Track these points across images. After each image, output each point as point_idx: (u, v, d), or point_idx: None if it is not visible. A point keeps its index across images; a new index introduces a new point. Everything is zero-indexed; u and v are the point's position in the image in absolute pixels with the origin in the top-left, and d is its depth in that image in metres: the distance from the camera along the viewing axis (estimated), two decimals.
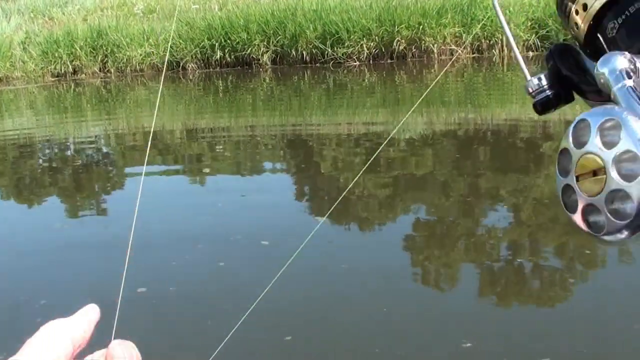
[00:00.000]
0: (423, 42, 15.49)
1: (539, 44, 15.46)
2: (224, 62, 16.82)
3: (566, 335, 3.58)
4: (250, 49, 16.41)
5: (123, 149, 10.18)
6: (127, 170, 8.78)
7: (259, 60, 16.48)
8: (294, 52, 16.24)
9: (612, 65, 0.58)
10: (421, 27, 15.35)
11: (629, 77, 0.57)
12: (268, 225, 5.75)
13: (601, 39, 0.67)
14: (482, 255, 4.92)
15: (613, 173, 0.52)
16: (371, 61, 15.94)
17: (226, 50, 16.65)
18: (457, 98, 12.16)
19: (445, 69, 14.56)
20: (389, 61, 15.85)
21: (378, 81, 14.60)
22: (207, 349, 2.23)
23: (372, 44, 15.78)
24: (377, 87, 14.03)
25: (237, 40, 16.48)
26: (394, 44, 15.59)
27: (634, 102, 0.55)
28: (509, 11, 15.39)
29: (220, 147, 9.57)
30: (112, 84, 17.22)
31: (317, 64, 16.18)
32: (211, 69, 16.99)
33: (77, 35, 18.08)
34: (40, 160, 9.48)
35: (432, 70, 14.99)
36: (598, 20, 0.66)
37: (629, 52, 0.61)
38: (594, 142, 0.54)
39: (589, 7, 0.66)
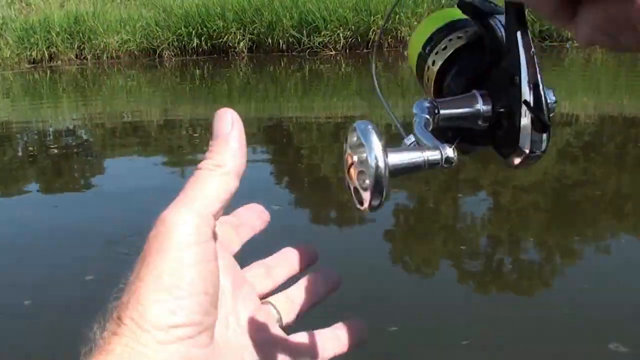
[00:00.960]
0: (399, 31, 15.44)
1: None
2: (200, 50, 16.68)
3: (543, 323, 3.57)
4: (226, 37, 16.28)
5: (99, 137, 10.03)
6: (103, 158, 8.65)
7: (236, 48, 16.36)
8: (270, 41, 16.14)
9: (420, 105, 0.66)
10: (397, 16, 15.30)
11: (430, 114, 0.66)
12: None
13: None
14: (460, 243, 4.92)
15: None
16: (347, 50, 15.86)
17: (203, 38, 16.51)
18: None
19: None
20: (365, 50, 15.78)
21: (354, 70, 14.56)
22: None
23: (348, 33, 15.70)
24: (353, 76, 14.00)
25: (214, 28, 16.34)
26: (370, 33, 15.53)
27: (420, 127, 0.65)
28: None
29: (197, 135, 9.46)
30: (89, 70, 17.03)
31: (294, 53, 16.08)
32: (188, 57, 16.85)
33: (54, 21, 17.81)
34: (16, 147, 9.37)
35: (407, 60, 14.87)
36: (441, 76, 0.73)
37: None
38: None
39: (432, 66, 0.73)
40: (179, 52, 16.92)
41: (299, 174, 7.45)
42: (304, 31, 15.76)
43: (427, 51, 0.73)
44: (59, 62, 17.85)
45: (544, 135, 0.62)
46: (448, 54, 0.71)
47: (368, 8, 15.49)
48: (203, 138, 9.28)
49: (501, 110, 0.65)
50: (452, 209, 5.93)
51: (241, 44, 16.23)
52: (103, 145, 9.47)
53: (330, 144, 8.60)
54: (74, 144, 9.55)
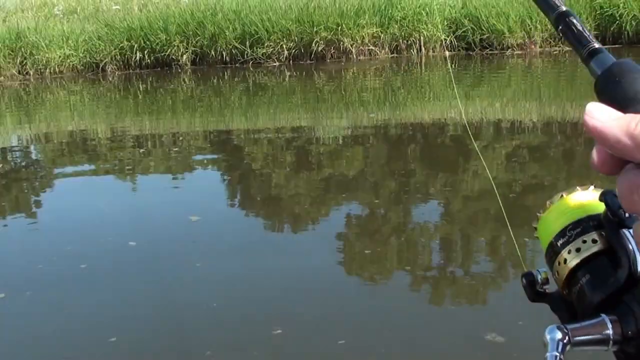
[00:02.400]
0: (341, 42, 15.33)
1: (455, 43, 15.45)
2: (143, 63, 16.32)
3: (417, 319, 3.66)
4: (169, 49, 15.99)
5: (44, 154, 9.84)
6: (48, 175, 8.48)
7: (179, 61, 16.09)
8: (213, 53, 15.89)
9: (553, 334, 0.67)
10: (339, 28, 15.19)
11: (561, 352, 0.67)
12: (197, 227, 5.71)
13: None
14: (413, 252, 4.95)
15: None
16: (291, 61, 15.67)
17: (146, 52, 16.17)
18: (376, 97, 12.06)
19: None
20: (308, 62, 15.63)
21: (298, 81, 14.40)
22: None
23: (291, 45, 15.54)
24: (297, 87, 13.87)
25: (157, 42, 16.03)
26: (313, 44, 15.39)
27: None
28: (426, 12, 15.35)
29: (142, 149, 9.29)
30: (32, 86, 16.63)
31: (237, 64, 15.84)
32: (131, 71, 16.49)
33: None
34: None
35: (351, 71, 14.88)
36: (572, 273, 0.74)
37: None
38: None
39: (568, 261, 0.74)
40: (122, 66, 16.56)
41: (245, 185, 7.41)
42: (247, 43, 15.55)
43: (559, 244, 0.75)
44: (1, 77, 17.37)
45: None
46: (581, 258, 0.72)
47: (310, 19, 15.32)
48: (149, 152, 9.16)
49: (630, 338, 0.66)
50: (402, 216, 5.88)
51: (184, 56, 15.94)
52: (47, 162, 9.26)
53: (276, 154, 8.52)
54: (17, 161, 9.26)
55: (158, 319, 4.10)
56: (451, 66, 14.80)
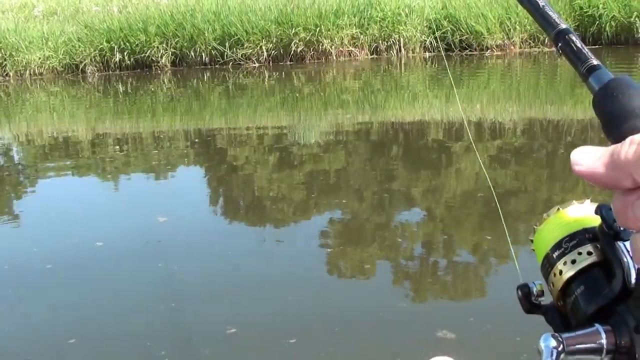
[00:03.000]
0: (320, 43, 15.26)
1: (435, 44, 15.41)
2: (123, 64, 16.19)
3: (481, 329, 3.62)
4: (149, 51, 15.88)
5: (19, 155, 9.84)
6: (21, 176, 8.45)
7: (158, 62, 15.98)
8: (192, 54, 15.80)
9: (547, 343, 0.68)
10: (318, 29, 15.12)
11: (554, 359, 0.68)
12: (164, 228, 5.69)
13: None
14: (395, 252, 4.91)
15: None
16: (270, 62, 15.60)
17: (125, 53, 16.04)
18: (356, 99, 12.02)
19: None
20: (288, 62, 15.55)
21: (277, 83, 14.33)
22: None
23: (270, 46, 15.46)
24: (276, 88, 13.79)
25: (136, 43, 15.92)
26: (292, 45, 15.31)
27: None
28: (405, 13, 15.30)
29: (118, 150, 9.24)
30: (12, 88, 16.49)
31: (217, 65, 15.75)
32: (111, 72, 16.36)
33: None
34: None
35: (331, 72, 14.82)
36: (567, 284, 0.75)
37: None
38: None
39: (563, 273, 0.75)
40: (102, 68, 16.44)
41: (227, 187, 7.39)
42: (227, 44, 15.45)
43: (555, 256, 0.76)
44: None
45: None
46: (577, 270, 0.74)
47: (289, 20, 15.24)
48: (125, 153, 9.12)
49: (623, 348, 0.67)
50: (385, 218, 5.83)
51: (164, 58, 15.84)
52: (20, 163, 9.24)
53: (257, 156, 8.47)
54: None
55: (117, 319, 4.06)
56: (430, 67, 14.79)
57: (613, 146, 0.54)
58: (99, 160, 8.85)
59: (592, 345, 0.69)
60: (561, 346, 0.68)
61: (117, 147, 9.57)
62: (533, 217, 5.49)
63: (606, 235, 0.71)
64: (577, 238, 0.75)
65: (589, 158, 0.55)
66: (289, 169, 7.75)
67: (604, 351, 0.68)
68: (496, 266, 4.64)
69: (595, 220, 0.73)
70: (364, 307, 4.01)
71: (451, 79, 12.73)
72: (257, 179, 7.38)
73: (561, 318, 0.77)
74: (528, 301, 0.80)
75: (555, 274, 0.76)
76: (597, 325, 0.69)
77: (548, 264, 0.77)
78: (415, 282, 4.45)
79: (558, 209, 0.79)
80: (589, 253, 0.73)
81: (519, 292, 0.81)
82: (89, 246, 5.31)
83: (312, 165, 7.75)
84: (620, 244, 0.70)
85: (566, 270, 0.74)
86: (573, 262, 0.74)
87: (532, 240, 0.81)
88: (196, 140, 9.87)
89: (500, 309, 3.79)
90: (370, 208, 6.09)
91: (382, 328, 3.71)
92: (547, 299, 0.79)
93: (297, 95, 12.74)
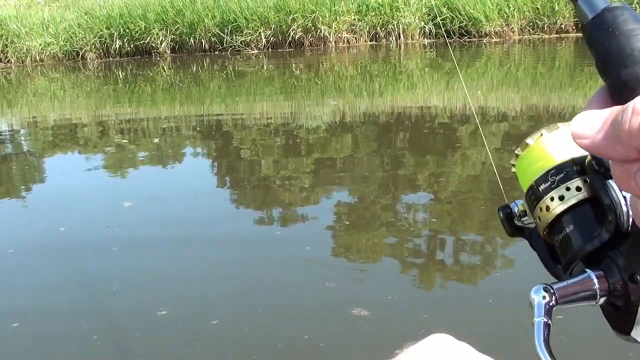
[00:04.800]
0: (319, 30, 14.99)
1: (434, 31, 15.16)
2: (123, 51, 16.07)
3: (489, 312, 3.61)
4: (149, 37, 15.67)
5: (27, 141, 9.71)
6: (32, 162, 8.32)
7: (158, 49, 15.76)
8: (192, 41, 15.58)
9: (539, 297, 0.66)
10: (314, 15, 14.85)
11: (547, 314, 0.65)
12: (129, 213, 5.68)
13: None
14: (404, 235, 4.85)
15: None
16: (270, 49, 15.42)
17: (125, 40, 15.90)
18: (358, 86, 11.80)
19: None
20: (287, 49, 15.34)
21: (276, 69, 14.16)
22: None
23: (269, 32, 15.22)
24: (275, 75, 13.60)
25: (136, 30, 15.74)
26: (291, 32, 15.05)
27: (540, 337, 0.64)
28: (403, 0, 15.03)
29: (125, 140, 9.04)
30: (13, 74, 16.31)
31: (216, 52, 15.62)
32: (111, 59, 16.22)
33: None
34: None
35: (329, 58, 14.60)
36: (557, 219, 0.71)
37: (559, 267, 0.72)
38: None
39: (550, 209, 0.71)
40: (102, 54, 16.28)
41: (229, 173, 7.30)
42: (226, 30, 15.21)
43: (541, 190, 0.71)
44: None
45: None
46: (565, 207, 0.69)
47: (287, 7, 15.01)
48: (131, 140, 8.99)
49: (617, 294, 0.65)
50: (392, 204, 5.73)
51: (163, 44, 15.66)
52: (31, 149, 9.10)
53: (258, 142, 8.33)
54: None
55: (54, 303, 4.09)
56: (430, 53, 14.55)
57: (615, 113, 0.48)
58: (77, 144, 8.88)
59: (585, 293, 0.66)
60: (553, 297, 0.66)
61: (122, 134, 9.44)
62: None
63: (596, 174, 0.67)
64: (565, 171, 0.70)
65: (589, 130, 0.50)
66: (288, 154, 7.57)
67: (598, 297, 0.66)
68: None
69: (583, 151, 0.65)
70: (290, 288, 4.07)
71: (456, 64, 12.55)
72: (256, 164, 7.30)
73: (548, 248, 0.74)
74: (510, 223, 0.77)
75: (541, 209, 0.71)
76: (589, 272, 0.66)
77: (533, 197, 0.72)
78: (343, 261, 4.49)
79: (541, 134, 0.73)
80: (578, 189, 0.68)
81: (501, 214, 0.77)
82: (53, 231, 5.36)
83: (309, 151, 7.68)
84: (612, 182, 0.65)
85: (554, 206, 0.70)
86: (561, 198, 0.69)
87: (513, 165, 0.75)
88: (197, 125, 9.76)
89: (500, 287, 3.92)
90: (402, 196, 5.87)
91: (304, 308, 3.77)
92: (530, 219, 0.75)
93: (295, 81, 12.55)
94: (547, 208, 0.70)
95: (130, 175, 7.31)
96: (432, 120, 8.96)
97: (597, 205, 0.67)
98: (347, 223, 5.23)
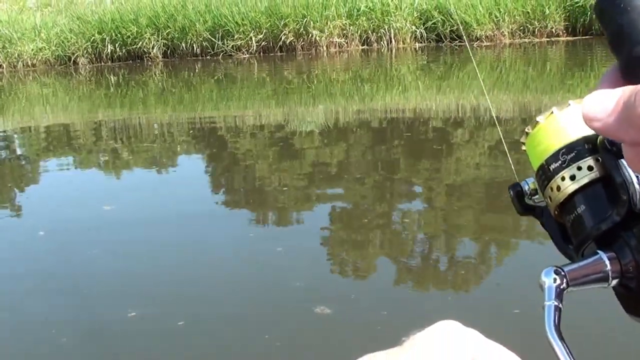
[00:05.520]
0: (310, 34, 14.86)
1: (425, 35, 15.05)
2: (115, 56, 15.94)
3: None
4: (140, 42, 15.53)
5: (19, 146, 9.65)
6: (23, 168, 8.28)
7: (150, 53, 15.62)
8: (184, 45, 15.44)
9: (550, 279, 0.65)
10: (306, 19, 14.72)
11: (558, 297, 0.64)
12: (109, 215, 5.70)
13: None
14: (398, 241, 4.84)
15: None
16: (261, 53, 15.29)
17: (117, 45, 15.76)
18: (349, 90, 11.71)
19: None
20: (278, 53, 15.22)
21: (268, 74, 14.11)
22: None
23: (261, 37, 15.08)
24: (266, 79, 13.52)
25: (128, 34, 15.60)
26: (282, 36, 14.92)
27: (551, 321, 0.63)
28: (394, 4, 14.91)
29: (118, 144, 8.99)
30: (5, 79, 16.18)
31: (208, 57, 15.50)
32: (103, 63, 16.10)
33: None
34: None
35: (320, 63, 14.49)
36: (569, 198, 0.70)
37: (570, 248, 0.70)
38: None
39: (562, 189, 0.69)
40: (94, 59, 16.15)
41: (215, 175, 7.23)
42: (217, 35, 15.07)
43: (552, 169, 0.69)
44: None
45: None
46: (576, 187, 0.67)
47: (279, 12, 14.88)
48: (120, 144, 8.93)
49: (629, 276, 0.63)
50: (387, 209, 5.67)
51: (155, 49, 15.51)
52: (18, 154, 9.08)
53: (250, 146, 8.31)
54: None
55: (24, 306, 4.09)
56: (422, 57, 14.44)
57: (628, 94, 0.45)
58: (83, 150, 8.73)
59: (597, 275, 0.64)
60: (564, 280, 0.64)
61: (115, 139, 9.37)
62: None
63: (608, 152, 0.65)
64: (576, 150, 0.68)
65: (600, 111, 0.47)
66: (281, 158, 7.49)
67: (610, 279, 0.64)
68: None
69: None
70: (254, 291, 4.06)
71: (475, 65, 12.47)
72: (274, 169, 7.20)
73: (559, 227, 0.72)
74: (521, 202, 0.75)
75: (552, 189, 0.69)
76: (601, 253, 0.64)
77: (544, 176, 0.70)
78: (306, 261, 4.47)
79: (552, 112, 0.70)
80: (590, 168, 0.66)
81: (511, 192, 0.75)
82: (31, 235, 5.35)
83: (298, 155, 7.62)
84: (624, 161, 0.62)
85: (565, 186, 0.68)
86: (572, 178, 0.67)
87: (523, 143, 0.73)
88: (190, 129, 9.68)
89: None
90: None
91: (270, 308, 3.78)
92: (541, 198, 0.73)
93: (286, 86, 12.43)
94: (558, 188, 0.69)
95: (114, 178, 7.34)
96: (425, 124, 8.89)
97: (609, 185, 0.65)
98: (329, 224, 5.17)
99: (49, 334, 3.64)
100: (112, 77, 14.97)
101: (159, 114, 10.98)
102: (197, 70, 14.93)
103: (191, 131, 9.52)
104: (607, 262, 0.64)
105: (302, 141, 8.19)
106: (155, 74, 14.97)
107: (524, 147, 0.73)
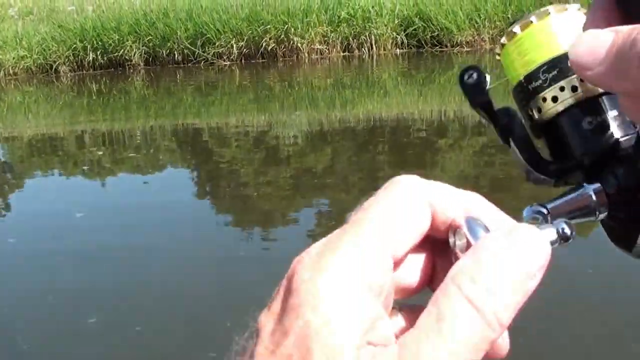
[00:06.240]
0: (291, 41, 14.71)
1: (406, 41, 14.94)
2: (97, 64, 15.76)
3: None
4: (122, 50, 15.33)
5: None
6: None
7: (132, 61, 15.42)
8: (165, 53, 15.27)
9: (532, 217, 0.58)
10: (287, 26, 14.58)
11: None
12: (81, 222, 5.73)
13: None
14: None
15: None
16: (242, 60, 15.16)
17: (98, 52, 15.57)
18: (330, 96, 11.62)
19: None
20: (260, 60, 15.07)
21: (249, 80, 14.04)
22: None
23: (242, 44, 14.94)
24: (248, 86, 13.42)
25: (109, 42, 15.40)
26: (263, 43, 14.77)
27: None
28: (375, 11, 14.79)
29: (100, 152, 8.86)
30: None
31: (189, 64, 15.36)
32: (84, 72, 15.92)
33: None
34: None
35: (302, 69, 14.38)
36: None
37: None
38: None
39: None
40: (76, 67, 15.96)
41: (201, 181, 7.25)
42: (198, 42, 14.90)
43: (531, 88, 0.62)
44: None
45: None
46: (559, 110, 0.61)
47: (260, 19, 14.78)
48: (105, 153, 8.78)
49: (617, 208, 0.59)
50: None
51: (137, 56, 15.30)
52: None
53: (232, 152, 8.24)
54: None
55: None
56: (402, 63, 14.36)
57: (622, 39, 0.40)
58: (84, 161, 8.64)
59: (583, 209, 0.59)
60: (548, 218, 0.58)
61: (97, 146, 9.28)
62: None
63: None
64: (558, 66, 0.60)
65: (591, 58, 0.42)
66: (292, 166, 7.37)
67: (597, 212, 0.59)
68: None
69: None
70: (215, 297, 4.12)
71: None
72: (259, 175, 7.17)
73: (532, 151, 0.64)
74: (482, 91, 0.63)
75: (532, 109, 0.63)
76: (585, 186, 0.60)
77: (522, 95, 0.63)
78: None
79: (531, 21, 0.62)
80: (574, 89, 0.60)
81: (469, 76, 0.64)
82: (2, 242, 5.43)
83: (278, 160, 7.63)
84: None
85: (546, 109, 0.62)
86: (554, 99, 0.61)
87: (498, 54, 0.65)
88: (173, 137, 9.63)
89: None
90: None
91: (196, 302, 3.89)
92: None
93: (268, 93, 12.34)
94: (539, 109, 0.62)
95: (91, 186, 7.29)
96: (407, 129, 8.83)
97: (594, 106, 0.60)
98: (305, 230, 5.12)
99: (10, 341, 3.67)
100: (94, 85, 14.83)
101: (141, 122, 10.90)
102: (178, 78, 14.81)
103: (173, 138, 9.45)
104: (593, 194, 0.59)
105: (284, 147, 8.15)
106: (136, 82, 14.86)
107: (498, 58, 0.65)
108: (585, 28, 0.46)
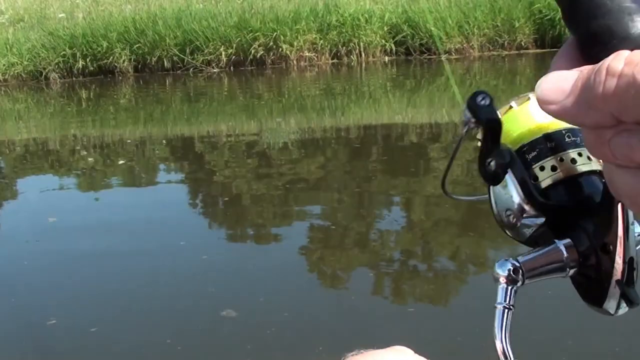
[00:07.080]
0: (280, 48, 14.50)
1: (395, 49, 14.74)
2: (86, 71, 15.60)
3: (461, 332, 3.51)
4: (111, 57, 15.11)
5: None
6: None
7: (121, 68, 15.21)
8: (154, 60, 15.06)
9: (504, 271, 0.61)
10: (275, 34, 14.38)
11: (511, 298, 0.61)
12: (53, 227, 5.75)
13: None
14: (375, 256, 4.78)
15: None
16: (231, 68, 14.99)
17: (88, 59, 15.39)
18: (319, 103, 11.44)
19: None
20: (249, 68, 14.90)
21: (238, 88, 13.95)
22: None
23: (231, 51, 14.73)
24: (237, 93, 13.29)
25: (99, 49, 15.20)
26: (252, 50, 14.55)
27: (501, 324, 0.61)
28: (365, 18, 14.59)
29: (91, 158, 8.76)
30: None
31: (178, 71, 15.20)
32: (74, 78, 15.74)
33: None
34: None
35: (290, 77, 14.21)
36: None
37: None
38: None
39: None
40: (66, 74, 15.78)
41: (195, 191, 7.10)
42: (187, 50, 14.70)
43: (529, 159, 0.64)
44: None
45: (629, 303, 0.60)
46: (549, 185, 0.64)
47: (249, 26, 14.61)
48: (96, 160, 8.70)
49: (588, 264, 0.61)
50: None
51: (126, 63, 15.12)
52: None
53: (221, 160, 8.17)
54: None
55: None
56: (391, 70, 14.18)
57: (586, 74, 0.41)
58: (76, 167, 8.54)
59: (554, 264, 0.62)
60: (520, 271, 0.61)
61: (88, 152, 9.23)
62: None
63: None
64: (538, 148, 0.64)
65: (557, 94, 0.43)
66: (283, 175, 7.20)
67: (567, 269, 0.62)
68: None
69: (557, 123, 0.62)
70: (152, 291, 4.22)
71: (450, 74, 12.30)
72: (251, 183, 7.09)
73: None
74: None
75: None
76: (556, 242, 0.62)
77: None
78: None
79: (510, 106, 0.67)
80: (554, 168, 0.63)
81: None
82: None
83: (262, 165, 7.43)
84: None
85: (543, 178, 0.64)
86: (535, 179, 0.64)
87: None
88: (163, 144, 9.52)
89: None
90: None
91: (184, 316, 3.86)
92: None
93: (256, 100, 12.16)
94: (536, 179, 0.65)
95: (68, 191, 7.24)
96: (397, 137, 8.71)
97: (573, 182, 0.63)
98: (296, 239, 5.05)
99: None
100: (83, 92, 14.68)
101: (130, 129, 10.72)
102: (167, 85, 14.69)
103: (162, 144, 9.32)
104: (564, 250, 0.61)
105: (273, 154, 8.04)
106: (126, 89, 14.72)
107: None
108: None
